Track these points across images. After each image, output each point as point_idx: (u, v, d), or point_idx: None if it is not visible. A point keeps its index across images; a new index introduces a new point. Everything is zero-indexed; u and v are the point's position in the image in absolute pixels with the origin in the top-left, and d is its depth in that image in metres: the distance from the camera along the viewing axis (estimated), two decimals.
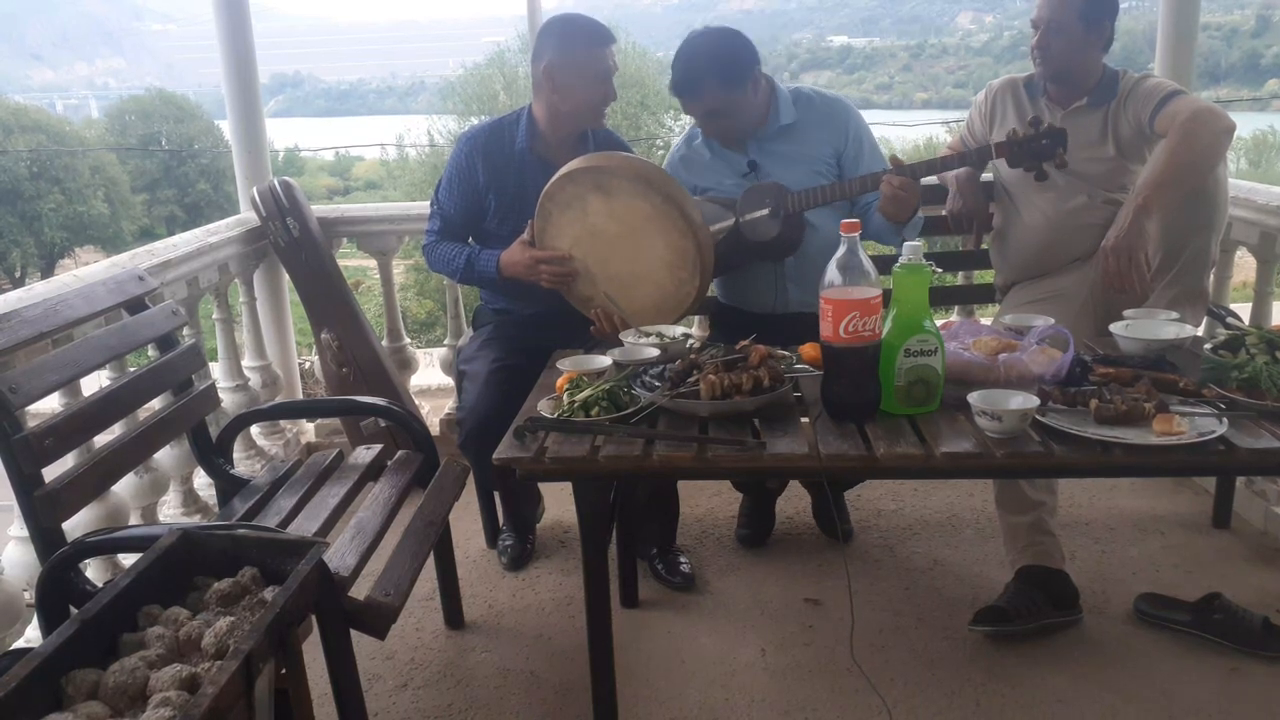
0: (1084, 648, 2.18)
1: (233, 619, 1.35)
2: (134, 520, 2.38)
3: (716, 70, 2.33)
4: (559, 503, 2.90)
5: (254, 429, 3.18)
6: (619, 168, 2.20)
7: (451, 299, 3.39)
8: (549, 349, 2.31)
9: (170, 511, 2.66)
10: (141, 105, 27.94)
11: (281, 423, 3.33)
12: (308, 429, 3.50)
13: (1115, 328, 2.01)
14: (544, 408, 1.81)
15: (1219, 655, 2.13)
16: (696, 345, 2.11)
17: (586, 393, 1.79)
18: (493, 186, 2.53)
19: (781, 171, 2.42)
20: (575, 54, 2.41)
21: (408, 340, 3.53)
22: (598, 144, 2.54)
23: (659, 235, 2.20)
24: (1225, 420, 1.60)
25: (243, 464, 2.97)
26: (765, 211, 2.34)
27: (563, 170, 2.24)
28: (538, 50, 2.47)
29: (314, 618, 1.56)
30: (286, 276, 3.34)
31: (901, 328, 1.68)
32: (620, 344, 2.15)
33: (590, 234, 2.28)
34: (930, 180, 2.85)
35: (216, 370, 2.99)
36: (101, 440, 1.97)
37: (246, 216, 3.24)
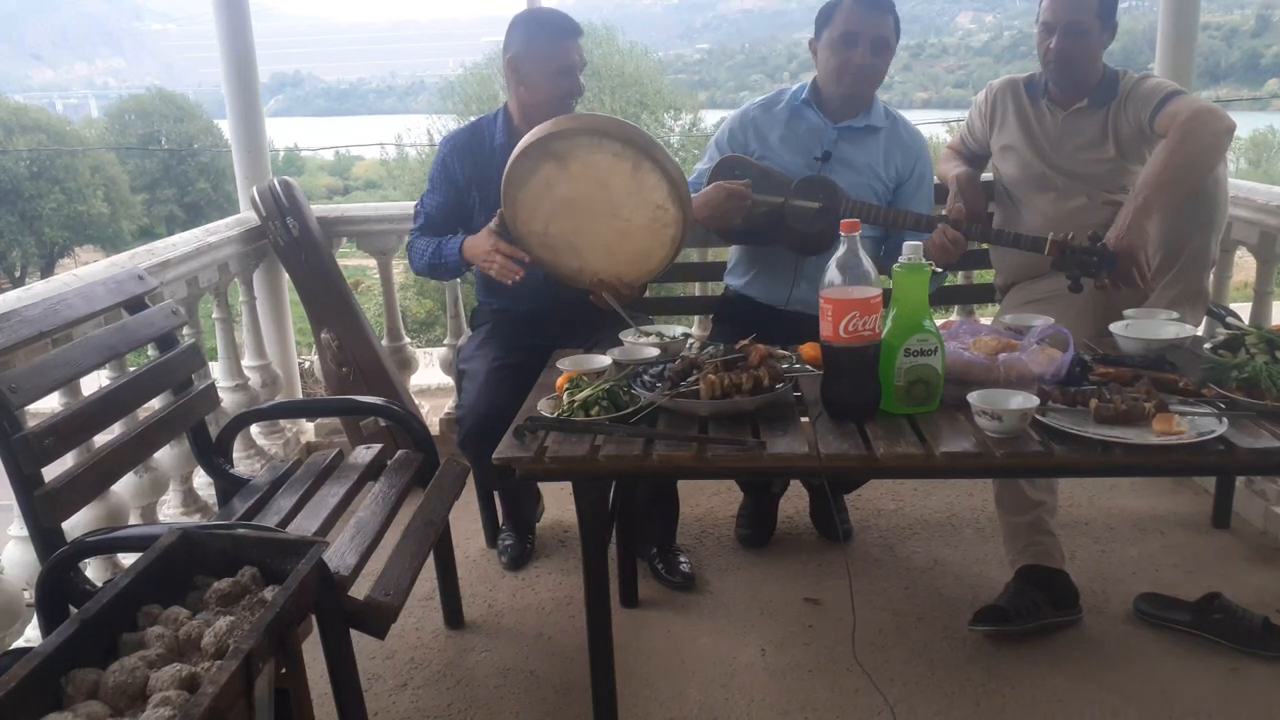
0: (1084, 648, 2.18)
1: (232, 618, 1.35)
2: (134, 520, 2.38)
3: (894, 12, 2.40)
4: (559, 502, 2.90)
5: (254, 428, 3.18)
6: (567, 129, 2.15)
7: (451, 299, 3.39)
8: (548, 347, 2.31)
9: (170, 511, 2.66)
10: (141, 105, 27.95)
11: (281, 422, 3.33)
12: (307, 428, 3.50)
13: (1115, 327, 2.01)
14: (544, 407, 1.81)
15: (1219, 655, 2.13)
16: (696, 345, 2.12)
17: (586, 392, 1.79)
18: (474, 182, 2.53)
19: (844, 173, 2.44)
20: (537, 46, 2.42)
21: (407, 340, 3.53)
22: None
23: (630, 181, 2.16)
24: (1225, 420, 1.60)
25: (242, 463, 2.97)
26: (816, 204, 2.34)
27: (515, 151, 2.21)
28: (505, 44, 2.49)
29: (314, 617, 1.56)
30: (286, 276, 3.33)
31: (901, 327, 1.68)
32: (622, 315, 2.17)
33: (562, 206, 2.22)
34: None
35: (216, 370, 2.99)
36: (101, 440, 1.97)
37: (246, 216, 3.24)
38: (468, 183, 2.55)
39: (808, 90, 2.52)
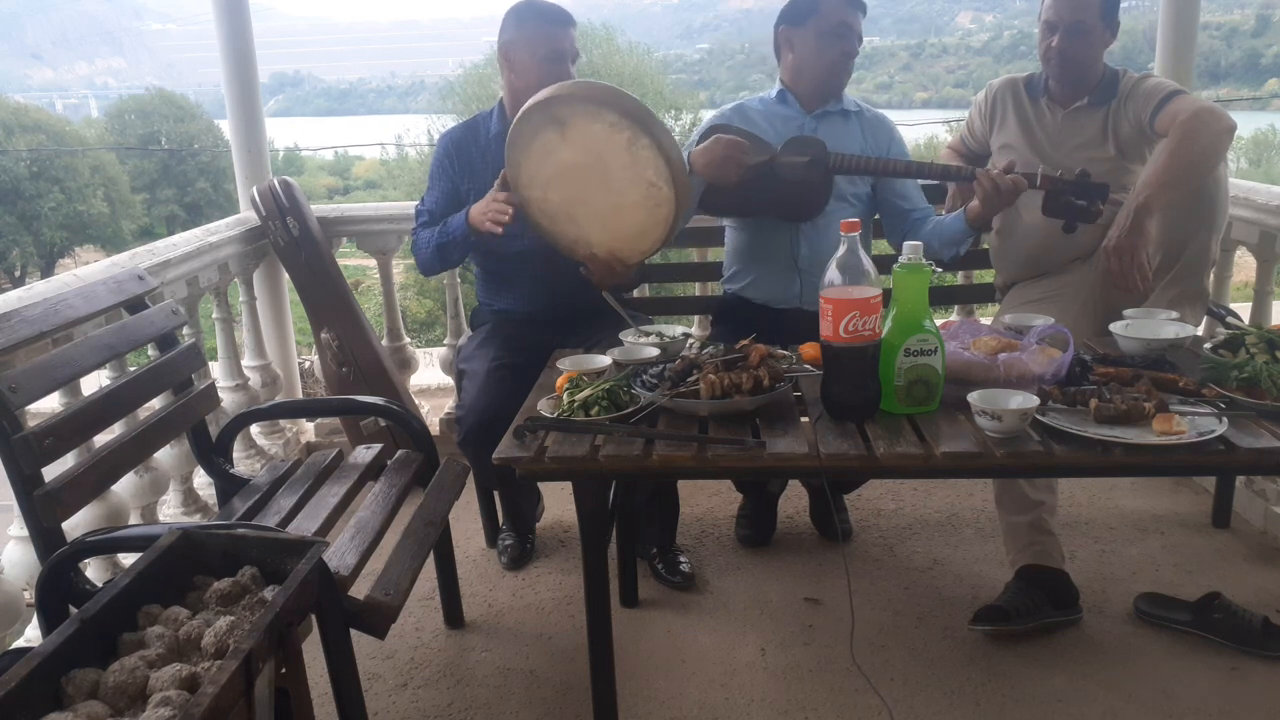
0: (1084, 647, 2.18)
1: (232, 618, 1.35)
2: (134, 520, 2.38)
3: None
4: (559, 502, 2.90)
5: (254, 428, 3.18)
6: (568, 94, 2.14)
7: (451, 298, 3.39)
8: (548, 347, 2.31)
9: (170, 511, 2.66)
10: (141, 105, 27.93)
11: (281, 422, 3.33)
12: (307, 428, 3.50)
13: (1115, 327, 2.01)
14: (544, 407, 1.81)
15: (1219, 655, 2.13)
16: (696, 345, 2.12)
17: (586, 392, 1.79)
18: (466, 174, 2.54)
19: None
20: (529, 31, 2.44)
21: (407, 339, 3.53)
22: None
23: (626, 154, 2.14)
24: (1225, 420, 1.60)
25: (242, 463, 2.97)
26: (805, 159, 2.36)
27: (519, 113, 2.20)
28: (500, 31, 2.51)
29: (314, 617, 1.56)
30: (286, 276, 3.33)
31: (901, 327, 1.68)
32: (622, 314, 2.17)
33: (561, 172, 2.21)
34: (929, 181, 2.86)
35: (216, 370, 2.99)
36: (101, 440, 1.97)
37: (246, 216, 3.24)
38: (460, 174, 2.56)
39: (778, 87, 2.56)
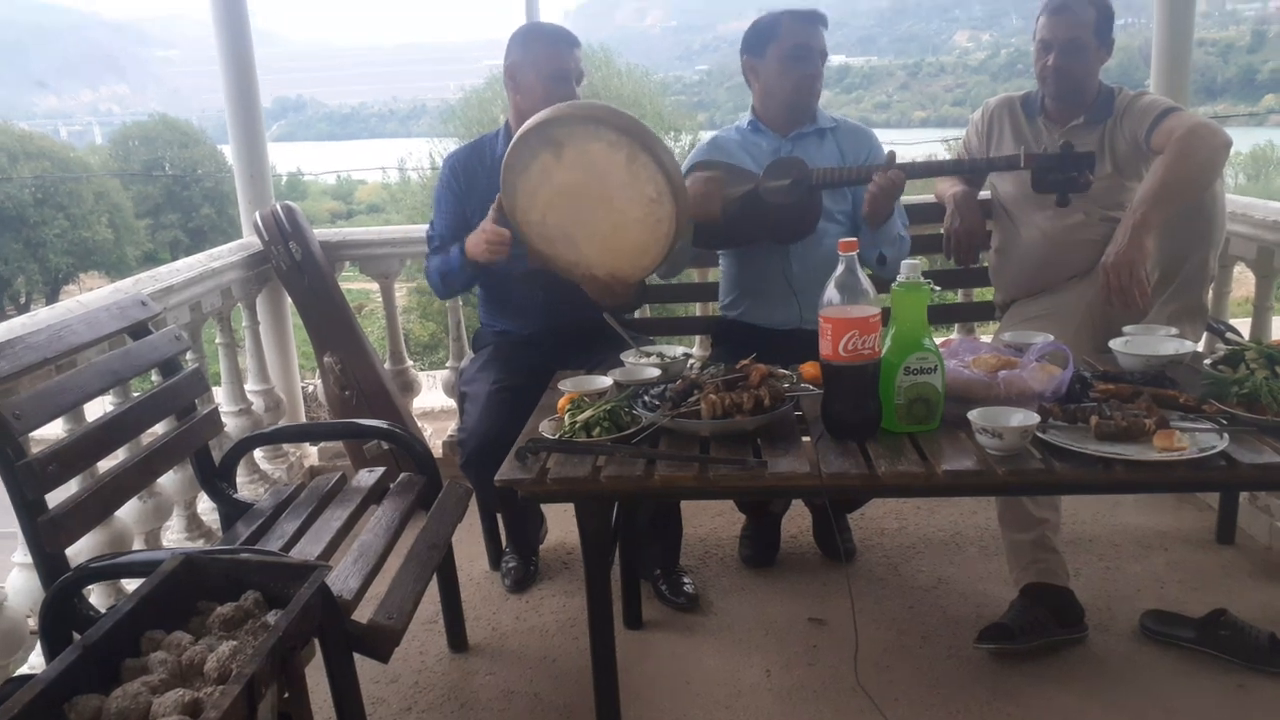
0: (1089, 665, 2.17)
1: (235, 643, 1.35)
2: (137, 545, 2.38)
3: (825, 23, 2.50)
4: (561, 524, 2.89)
5: (257, 453, 3.18)
6: (565, 115, 2.15)
7: (453, 321, 3.41)
8: (549, 369, 2.32)
9: (173, 536, 2.66)
10: (145, 131, 28.15)
11: (284, 446, 3.34)
12: (310, 452, 3.50)
13: (1115, 344, 2.02)
14: (545, 428, 1.82)
15: (1225, 672, 2.11)
16: (697, 365, 2.12)
17: (588, 413, 1.80)
18: (472, 199, 2.55)
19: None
20: (534, 51, 2.47)
21: (410, 362, 3.54)
22: None
23: (625, 172, 2.15)
24: (1226, 435, 1.60)
25: (246, 488, 2.97)
26: (787, 181, 2.37)
27: (515, 137, 2.22)
28: (505, 53, 2.54)
29: (317, 641, 1.56)
30: (289, 300, 3.35)
31: (901, 346, 1.68)
32: (623, 335, 2.19)
33: (560, 194, 2.22)
34: (928, 199, 2.87)
35: (219, 394, 3.00)
36: (105, 465, 1.97)
37: (249, 241, 3.25)
38: (466, 196, 2.57)
39: (750, 116, 2.58)
